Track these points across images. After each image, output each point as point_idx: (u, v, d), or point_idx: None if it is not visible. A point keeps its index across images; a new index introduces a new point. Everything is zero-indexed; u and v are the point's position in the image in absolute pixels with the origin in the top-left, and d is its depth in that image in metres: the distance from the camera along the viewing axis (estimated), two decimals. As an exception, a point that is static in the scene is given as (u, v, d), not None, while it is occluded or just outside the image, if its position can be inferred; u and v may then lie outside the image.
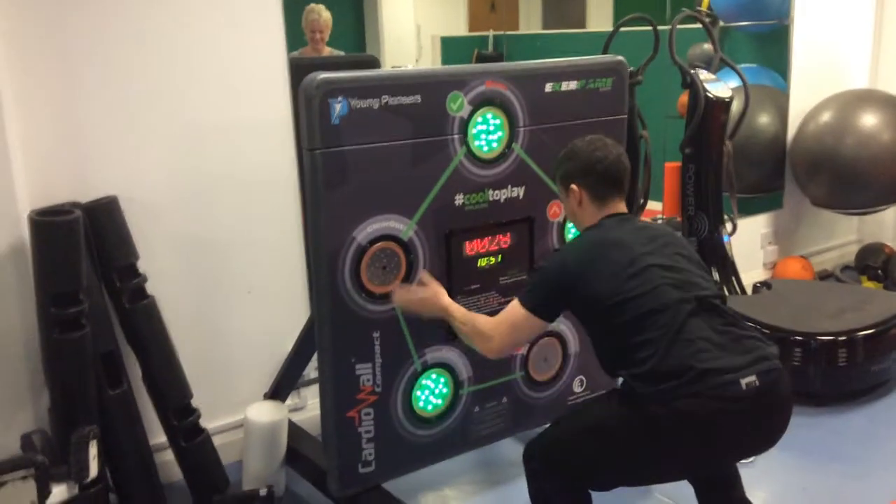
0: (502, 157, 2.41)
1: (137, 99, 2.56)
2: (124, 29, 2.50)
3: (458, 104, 2.29)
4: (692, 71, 3.59)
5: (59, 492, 1.96)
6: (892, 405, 3.24)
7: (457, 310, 2.22)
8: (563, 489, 2.03)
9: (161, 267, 2.63)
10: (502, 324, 2.08)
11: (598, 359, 2.12)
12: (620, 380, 2.06)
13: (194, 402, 2.66)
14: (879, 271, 4.49)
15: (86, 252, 2.36)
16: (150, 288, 2.57)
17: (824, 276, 4.70)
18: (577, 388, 2.78)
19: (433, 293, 2.26)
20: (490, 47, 6.47)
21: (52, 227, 2.27)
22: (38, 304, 2.34)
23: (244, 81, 2.73)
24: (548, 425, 2.24)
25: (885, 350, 3.24)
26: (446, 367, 2.46)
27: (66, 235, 2.28)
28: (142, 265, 2.55)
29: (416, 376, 2.40)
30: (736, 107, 3.69)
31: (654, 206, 4.28)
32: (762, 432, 1.96)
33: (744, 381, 1.85)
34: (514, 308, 2.07)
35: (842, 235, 4.98)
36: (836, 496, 2.65)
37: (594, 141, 2.16)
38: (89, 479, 2.07)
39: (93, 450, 2.06)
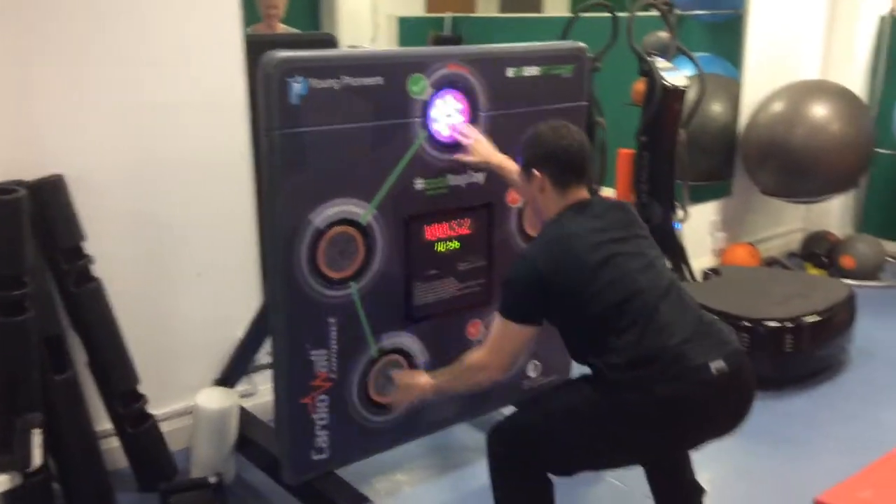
0: (463, 141, 2.38)
1: (86, 74, 2.46)
2: (72, 3, 2.40)
3: (419, 87, 2.26)
4: (649, 59, 3.60)
5: (2, 481, 1.88)
6: (837, 389, 3.32)
7: (441, 373, 2.25)
8: (526, 474, 2.03)
9: (108, 249, 2.55)
10: (495, 344, 2.08)
11: (567, 348, 2.12)
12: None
13: (141, 388, 2.60)
14: (824, 259, 4.59)
15: (30, 233, 2.28)
16: (97, 270, 2.49)
17: (770, 262, 4.79)
18: (531, 373, 2.77)
19: (410, 382, 2.31)
20: (448, 29, 6.40)
21: (-7, 206, 2.18)
22: (-22, 287, 2.25)
23: (198, 58, 2.65)
24: (511, 411, 2.23)
25: (830, 336, 3.32)
26: (403, 352, 2.43)
27: (10, 215, 2.20)
28: (88, 247, 2.47)
29: (371, 362, 2.37)
30: (690, 95, 3.72)
31: (607, 192, 4.30)
32: (731, 415, 1.98)
33: (713, 366, 1.87)
34: (502, 324, 2.05)
35: (788, 223, 5.08)
36: (783, 478, 2.71)
37: (559, 128, 2.14)
38: (33, 468, 2.00)
39: (37, 438, 2.00)
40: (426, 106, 2.28)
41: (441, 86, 2.29)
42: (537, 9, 7.44)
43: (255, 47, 2.73)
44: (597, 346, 1.96)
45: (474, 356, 2.14)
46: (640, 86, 3.98)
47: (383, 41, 6.46)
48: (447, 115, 2.33)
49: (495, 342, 2.08)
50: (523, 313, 2.03)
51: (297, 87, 2.06)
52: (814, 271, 4.58)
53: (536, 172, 2.11)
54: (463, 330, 2.54)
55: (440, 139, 2.33)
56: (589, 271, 1.96)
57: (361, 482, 2.51)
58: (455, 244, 2.45)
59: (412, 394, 2.32)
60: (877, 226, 4.87)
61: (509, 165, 2.31)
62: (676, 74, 3.62)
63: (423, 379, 2.29)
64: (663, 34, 4.26)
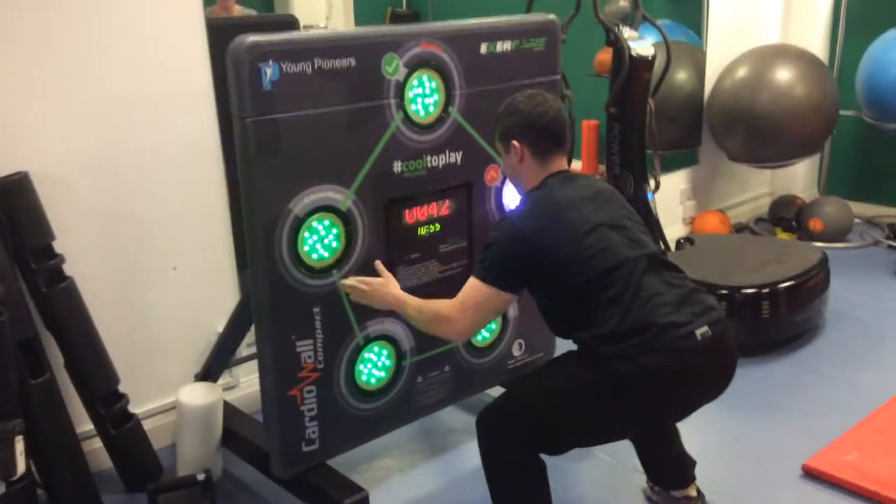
0: (439, 121, 2.34)
1: (46, 69, 2.37)
2: (28, -7, 2.32)
3: (393, 67, 2.21)
4: (616, 29, 3.58)
5: (-15, 492, 1.83)
6: (815, 353, 3.36)
7: (411, 298, 2.15)
8: (518, 455, 2.02)
9: (79, 247, 2.48)
10: (465, 303, 2.01)
11: (549, 324, 2.11)
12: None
13: (121, 387, 2.54)
14: (793, 222, 4.63)
15: (-3, 234, 2.20)
16: (69, 269, 2.42)
17: (740, 228, 4.83)
18: (515, 353, 2.77)
19: (384, 282, 2.20)
20: (404, 5, 6.33)
21: (-42, 208, 2.10)
22: (-54, 292, 2.17)
23: (160, 46, 2.57)
24: (497, 393, 2.21)
25: (806, 300, 3.35)
26: (389, 339, 2.40)
27: (-25, 217, 2.12)
28: (58, 245, 2.40)
29: (358, 350, 2.33)
30: (657, 64, 3.71)
31: (575, 164, 4.30)
32: (716, 380, 2.01)
33: (698, 332, 1.89)
34: (476, 286, 2.00)
35: (755, 188, 5.12)
36: (768, 444, 2.74)
37: (534, 96, 2.11)
38: (17, 476, 1.94)
39: (19, 445, 1.94)
40: (401, 86, 2.23)
41: (415, 65, 2.25)
42: (492, -19, 7.37)
43: (217, 32, 2.67)
44: (582, 318, 1.95)
45: (444, 305, 2.06)
46: (603, 56, 3.97)
47: (338, 20, 6.36)
48: (424, 96, 2.29)
49: (465, 301, 2.02)
50: (501, 278, 1.99)
51: (269, 71, 2.01)
52: (783, 235, 4.63)
53: (515, 143, 2.09)
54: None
55: (416, 121, 2.29)
56: (577, 239, 1.95)
57: (352, 471, 2.49)
58: (435, 226, 2.42)
59: (377, 298, 2.19)
60: (841, 188, 4.92)
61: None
62: (643, 43, 3.61)
63: (395, 292, 2.18)
64: (624, 3, 4.25)
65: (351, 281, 2.21)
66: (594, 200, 2.05)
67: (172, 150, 2.64)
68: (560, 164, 2.12)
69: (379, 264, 2.26)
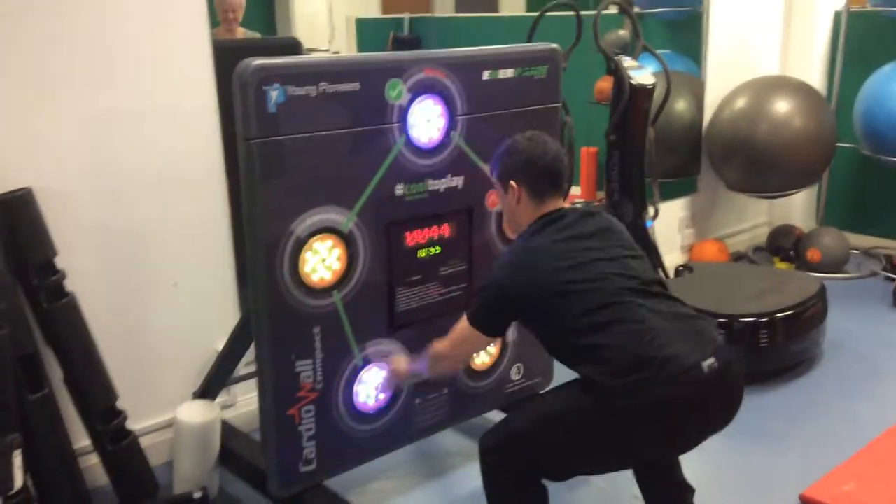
0: (441, 146, 2.37)
1: (51, 85, 2.40)
2: (36, 12, 2.34)
3: (396, 92, 2.24)
4: (616, 58, 3.62)
5: (-18, 507, 1.83)
6: (812, 383, 3.36)
7: (420, 361, 2.30)
8: (521, 481, 2.01)
9: (80, 263, 2.49)
10: (455, 342, 2.17)
11: (553, 356, 2.12)
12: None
13: (119, 403, 2.54)
14: (791, 252, 4.65)
15: (0, 249, 2.22)
16: (70, 285, 2.43)
17: (738, 257, 4.86)
18: (514, 376, 2.77)
19: (395, 366, 2.38)
20: (406, 30, 6.39)
21: (-37, 223, 2.12)
22: (-51, 306, 2.18)
23: (166, 66, 2.60)
24: (495, 417, 2.22)
25: (804, 330, 3.36)
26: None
27: (-21, 232, 2.13)
28: (60, 261, 2.41)
29: (357, 371, 2.34)
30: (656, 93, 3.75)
31: (574, 191, 4.33)
32: (724, 410, 1.99)
33: (705, 364, 1.87)
34: (465, 328, 2.13)
35: (753, 218, 5.15)
36: (766, 473, 2.74)
37: (534, 137, 2.15)
38: (14, 491, 1.94)
39: (17, 459, 1.94)
40: (404, 111, 2.26)
41: (418, 90, 2.28)
42: (494, 8, 7.45)
43: (222, 53, 2.71)
44: (583, 356, 1.95)
45: (438, 346, 2.22)
46: (602, 84, 4.01)
47: (340, 44, 6.42)
48: (427, 121, 2.32)
49: (457, 338, 2.17)
50: (487, 324, 2.11)
51: (275, 94, 2.03)
52: (781, 265, 4.64)
53: (513, 183, 2.12)
54: (446, 335, 2.52)
55: (418, 145, 2.32)
56: (560, 282, 1.96)
57: (349, 492, 2.49)
58: (436, 249, 2.44)
59: (399, 378, 2.40)
60: (838, 219, 4.95)
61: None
62: (643, 73, 3.65)
63: (405, 365, 2.36)
64: (623, 32, 4.31)
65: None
66: (584, 238, 2.05)
67: (175, 169, 2.66)
68: (555, 204, 2.14)
69: (384, 355, 2.40)
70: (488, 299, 2.08)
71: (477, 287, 2.20)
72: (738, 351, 3.12)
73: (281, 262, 2.12)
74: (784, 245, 4.70)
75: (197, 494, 2.45)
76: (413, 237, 2.38)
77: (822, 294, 3.45)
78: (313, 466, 2.31)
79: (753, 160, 4.33)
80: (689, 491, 2.31)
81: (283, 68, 2.04)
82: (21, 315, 2.34)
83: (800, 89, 4.40)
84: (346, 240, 2.23)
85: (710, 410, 1.96)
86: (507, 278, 2.04)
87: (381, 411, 2.44)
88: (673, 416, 1.89)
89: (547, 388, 2.82)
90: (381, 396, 2.43)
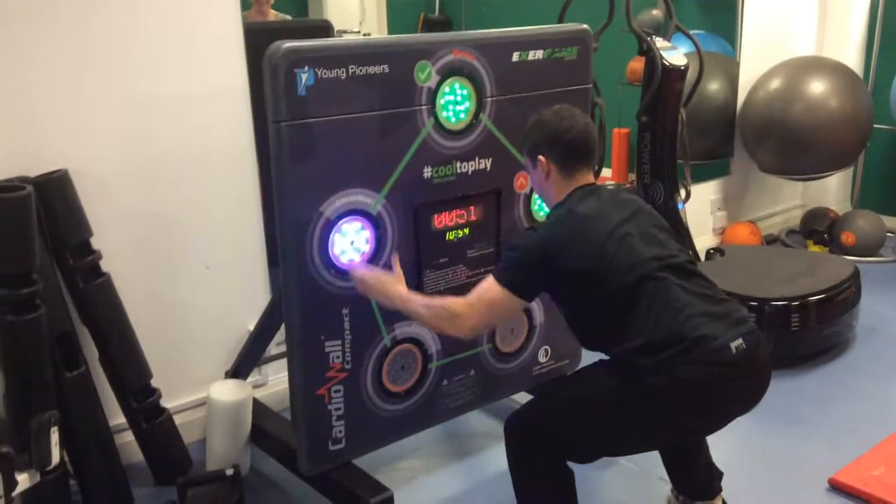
0: (470, 128, 2.37)
1: (87, 68, 2.44)
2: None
3: (425, 74, 2.24)
4: (649, 38, 3.59)
5: (21, 481, 1.88)
6: (844, 367, 3.33)
7: (416, 294, 2.16)
8: (546, 463, 2.03)
9: (115, 243, 2.54)
10: (477, 302, 2.01)
11: (578, 337, 2.11)
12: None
13: (154, 382, 2.59)
14: (825, 235, 4.60)
15: (37, 230, 2.26)
16: (105, 265, 2.48)
17: (771, 240, 4.81)
18: (541, 358, 2.78)
19: (390, 279, 2.18)
20: (437, 11, 6.37)
21: (2, 203, 2.16)
22: (-12, 286, 2.24)
23: (198, 49, 2.63)
24: (522, 398, 2.23)
25: (837, 314, 3.33)
26: (415, 341, 2.43)
27: (17, 213, 2.17)
28: (95, 242, 2.46)
29: (385, 352, 2.37)
30: (689, 74, 3.71)
31: (605, 172, 4.31)
32: (750, 393, 1.99)
33: (733, 345, 1.87)
34: (491, 286, 2.00)
35: (787, 200, 5.09)
36: (796, 457, 2.73)
37: (561, 111, 2.13)
38: (51, 466, 1.99)
39: (54, 436, 1.99)
40: (432, 93, 2.26)
41: (447, 72, 2.28)
42: (525, -11, 7.39)
43: (253, 36, 2.73)
44: (612, 331, 1.95)
45: (453, 301, 2.05)
46: (635, 65, 3.98)
47: (371, 25, 6.42)
48: (455, 103, 2.32)
49: (477, 298, 2.01)
50: (516, 282, 1.99)
51: (305, 77, 2.04)
52: (815, 248, 4.59)
53: (541, 158, 2.11)
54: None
55: (447, 127, 2.32)
56: (602, 252, 1.95)
57: (377, 471, 2.52)
58: (464, 231, 2.45)
59: (382, 292, 2.16)
60: (874, 201, 4.88)
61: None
62: (676, 53, 3.61)
63: (401, 288, 2.17)
64: (656, 12, 4.26)
65: (360, 271, 2.19)
66: (620, 212, 2.05)
67: (208, 151, 2.70)
68: (586, 178, 2.12)
69: (396, 260, 2.27)
70: (524, 256, 2.00)
71: (507, 245, 2.04)
72: (769, 334, 3.19)
73: (310, 243, 2.14)
74: (818, 228, 4.64)
75: (229, 471, 2.49)
76: (441, 220, 2.39)
77: (855, 277, 3.41)
78: (342, 445, 2.34)
79: (788, 142, 4.28)
80: (717, 474, 2.31)
81: (312, 51, 2.05)
82: (58, 295, 2.39)
83: (836, 70, 4.33)
84: (375, 222, 2.25)
85: (736, 392, 1.95)
86: (552, 238, 2.00)
87: (409, 392, 2.46)
88: (699, 396, 1.90)
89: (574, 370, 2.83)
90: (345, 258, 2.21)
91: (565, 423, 2.01)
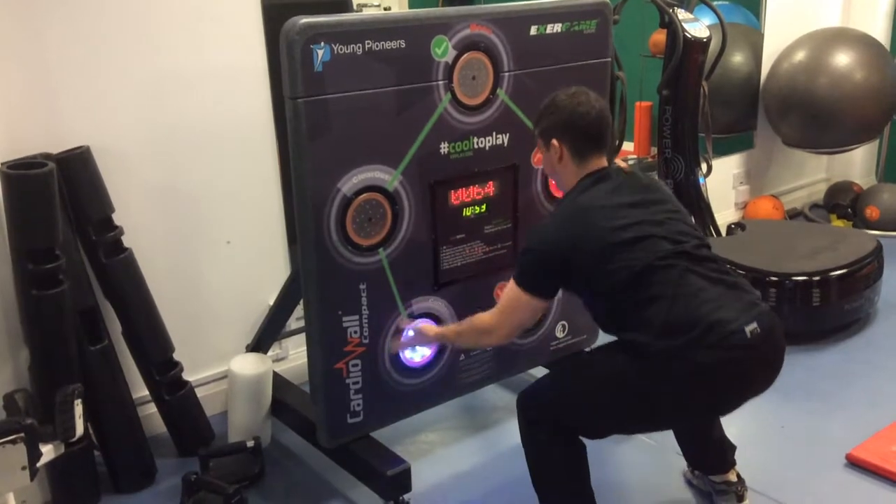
0: (487, 103, 2.37)
1: (107, 46, 2.45)
2: (92, -28, 2.39)
3: (442, 49, 2.24)
4: (670, 10, 3.54)
5: (46, 452, 1.92)
6: (865, 343, 3.32)
7: (448, 329, 2.27)
8: (559, 438, 2.04)
9: (137, 219, 2.57)
10: (504, 311, 2.08)
11: (596, 320, 2.11)
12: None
13: (176, 356, 2.63)
14: (849, 210, 4.55)
15: (60, 206, 2.29)
16: (127, 241, 2.51)
17: (794, 214, 4.76)
18: (559, 334, 2.79)
19: (419, 330, 2.35)
20: (457, -16, 6.32)
21: (25, 180, 2.19)
22: (13, 261, 2.28)
23: (217, 25, 2.64)
24: (538, 373, 2.24)
25: (858, 289, 3.30)
26: (433, 316, 2.44)
27: (41, 189, 2.21)
28: (117, 218, 2.49)
29: (403, 327, 2.38)
30: (712, 46, 3.67)
31: (626, 145, 4.28)
32: (764, 375, 1.98)
33: (748, 329, 1.86)
34: (514, 292, 2.04)
35: (811, 174, 5.03)
36: (814, 432, 2.72)
37: (577, 94, 2.09)
38: (75, 438, 2.04)
39: (78, 409, 2.02)
40: (449, 68, 2.26)
41: (464, 47, 2.27)
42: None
43: (271, 11, 2.72)
44: (626, 317, 1.94)
45: (482, 318, 2.13)
46: (658, 37, 3.93)
47: (391, -1, 6.37)
48: (472, 78, 2.30)
49: (505, 308, 2.08)
50: (536, 285, 2.03)
51: (321, 53, 2.05)
52: (838, 223, 4.54)
53: (555, 142, 2.09)
54: (491, 292, 2.54)
55: (464, 102, 2.31)
56: (609, 242, 1.94)
57: (395, 443, 2.55)
58: (481, 207, 2.45)
59: (423, 341, 2.37)
60: (900, 175, 4.82)
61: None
62: (698, 25, 3.57)
63: (432, 332, 2.32)
64: (680, -17, 4.20)
65: (396, 343, 2.37)
66: (631, 198, 2.03)
67: (228, 128, 2.71)
68: (599, 163, 2.10)
69: (414, 325, 2.39)
70: (536, 257, 2.03)
71: (522, 248, 2.10)
72: (789, 310, 3.18)
73: (328, 220, 2.16)
74: (842, 202, 4.59)
75: (250, 443, 2.54)
76: (458, 196, 2.39)
77: (878, 252, 3.38)
78: (360, 418, 2.37)
79: (812, 115, 4.22)
80: (731, 448, 2.32)
81: (329, 27, 2.05)
82: (81, 270, 2.43)
83: (861, 41, 4.25)
84: (392, 198, 2.25)
85: (750, 375, 1.95)
86: (559, 232, 2.01)
87: (427, 366, 2.48)
88: (713, 380, 1.89)
89: (591, 347, 2.84)
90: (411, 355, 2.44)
91: (577, 402, 2.02)
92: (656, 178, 2.18)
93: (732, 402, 2.00)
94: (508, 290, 2.08)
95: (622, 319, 1.96)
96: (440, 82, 2.25)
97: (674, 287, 1.90)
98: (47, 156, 2.34)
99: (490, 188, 2.45)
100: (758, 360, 1.92)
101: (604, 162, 2.11)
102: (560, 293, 2.64)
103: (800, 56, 4.28)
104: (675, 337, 1.86)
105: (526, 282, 2.03)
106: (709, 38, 3.57)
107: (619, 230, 1.95)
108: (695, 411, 2.04)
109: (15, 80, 2.32)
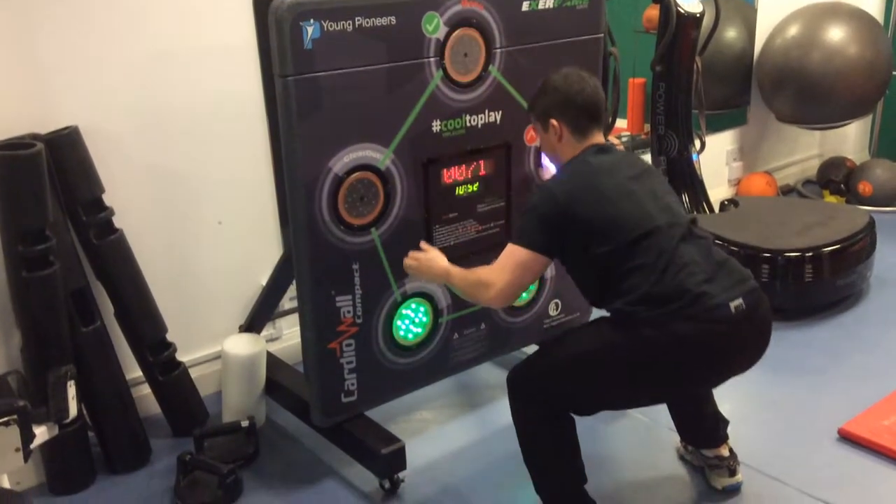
0: (479, 80, 2.35)
1: (95, 25, 2.42)
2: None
3: (433, 25, 2.22)
4: (663, -14, 3.52)
5: (39, 433, 1.92)
6: (856, 318, 3.33)
7: (455, 268, 2.20)
8: (548, 415, 2.05)
9: (128, 200, 2.55)
10: (504, 268, 2.03)
11: (585, 292, 2.12)
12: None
13: (169, 336, 2.63)
14: (842, 185, 4.55)
15: (49, 186, 2.27)
16: (118, 222, 2.50)
17: (787, 190, 4.76)
18: (552, 312, 2.79)
19: (430, 257, 2.26)
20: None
21: (14, 161, 2.17)
22: (3, 243, 2.26)
23: (206, 3, 2.60)
24: (532, 351, 2.24)
25: (850, 265, 3.31)
26: (426, 296, 2.44)
27: (30, 169, 2.19)
28: (107, 198, 2.47)
29: (396, 306, 2.38)
30: (705, 21, 3.64)
31: (620, 122, 4.26)
32: (748, 352, 2.00)
33: (732, 305, 1.89)
34: (512, 249, 2.03)
35: (804, 150, 5.03)
36: (806, 407, 2.74)
37: (570, 74, 2.12)
38: (69, 419, 2.03)
39: (71, 390, 2.02)
40: (441, 45, 2.24)
41: (455, 23, 2.25)
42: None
43: (262, -11, 2.69)
44: (615, 286, 1.96)
45: (484, 270, 2.10)
46: (652, 12, 3.91)
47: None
48: (464, 55, 2.29)
49: (503, 264, 2.04)
50: (537, 241, 2.01)
51: (310, 30, 2.03)
52: (831, 198, 4.55)
53: (553, 121, 2.11)
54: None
55: (455, 79, 2.30)
56: (610, 204, 1.97)
57: (389, 422, 2.56)
58: (473, 186, 2.44)
59: (429, 272, 2.26)
60: (893, 150, 4.81)
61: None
62: (691, 1, 3.55)
63: (443, 264, 2.22)
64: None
65: (407, 260, 2.29)
66: (631, 170, 2.07)
67: (218, 107, 2.69)
68: (597, 138, 2.13)
69: (424, 244, 2.33)
70: (538, 214, 2.01)
71: (526, 206, 2.07)
72: (782, 286, 3.19)
73: (319, 199, 2.15)
74: (834, 178, 4.59)
75: (244, 423, 2.54)
76: (450, 174, 2.38)
77: (870, 228, 3.38)
78: (354, 398, 2.37)
79: (805, 90, 4.21)
80: (723, 422, 2.34)
81: (318, 3, 2.02)
82: (72, 251, 2.42)
83: (855, 16, 4.23)
84: (383, 177, 2.24)
85: (734, 350, 1.96)
86: (564, 193, 2.00)
87: (420, 345, 2.48)
88: (695, 352, 1.91)
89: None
90: None
91: (565, 378, 2.03)
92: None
93: (714, 376, 2.02)
94: (506, 251, 2.05)
95: (610, 287, 1.97)
96: (431, 59, 2.24)
97: (666, 257, 1.91)
98: (35, 136, 2.31)
99: (483, 167, 2.44)
100: (741, 336, 1.94)
101: (601, 137, 2.14)
102: (552, 269, 2.68)
103: (793, 31, 4.26)
104: (661, 306, 1.88)
105: (525, 237, 2.02)
106: (702, 14, 3.56)
107: (619, 198, 1.98)
108: (677, 385, 2.05)
109: (1, 60, 2.29)
